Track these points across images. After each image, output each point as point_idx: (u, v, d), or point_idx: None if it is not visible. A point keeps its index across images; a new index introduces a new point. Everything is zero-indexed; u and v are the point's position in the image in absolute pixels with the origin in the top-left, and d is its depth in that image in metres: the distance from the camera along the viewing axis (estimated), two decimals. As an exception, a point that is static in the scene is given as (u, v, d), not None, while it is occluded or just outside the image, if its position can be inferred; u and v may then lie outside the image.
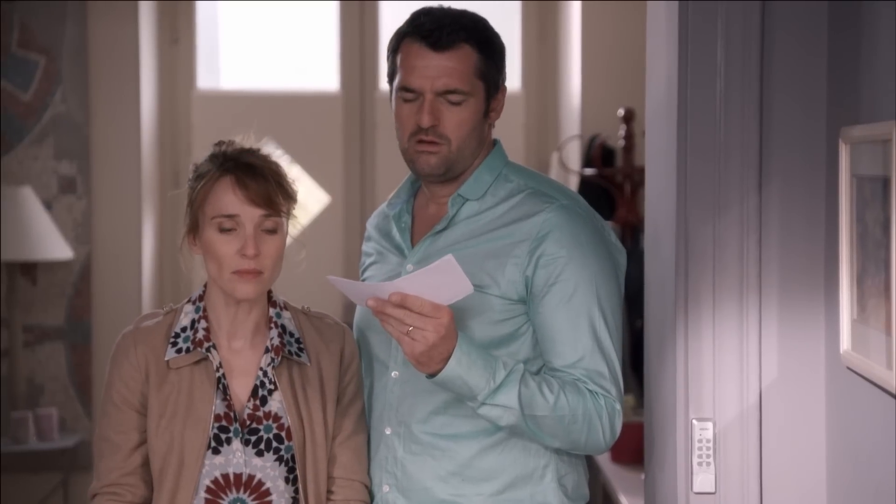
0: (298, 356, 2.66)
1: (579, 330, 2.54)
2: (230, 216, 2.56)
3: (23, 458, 6.03)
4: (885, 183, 2.08)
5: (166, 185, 6.71)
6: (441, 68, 2.56)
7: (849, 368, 2.31)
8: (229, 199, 2.57)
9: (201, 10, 6.78)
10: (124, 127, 6.32)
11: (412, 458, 2.60)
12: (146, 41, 6.46)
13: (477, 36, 2.59)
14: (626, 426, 4.69)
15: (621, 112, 5.58)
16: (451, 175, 2.62)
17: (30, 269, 6.19)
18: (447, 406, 2.58)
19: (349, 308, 6.11)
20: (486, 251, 2.57)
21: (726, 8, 2.50)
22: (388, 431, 2.63)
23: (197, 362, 2.60)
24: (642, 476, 3.42)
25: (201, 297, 2.66)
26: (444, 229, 2.62)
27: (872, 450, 2.21)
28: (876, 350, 2.14)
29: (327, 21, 6.75)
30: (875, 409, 2.19)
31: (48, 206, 6.15)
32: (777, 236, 2.52)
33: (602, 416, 2.54)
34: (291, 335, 2.68)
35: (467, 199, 2.63)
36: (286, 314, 2.69)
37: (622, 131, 5.59)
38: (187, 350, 2.60)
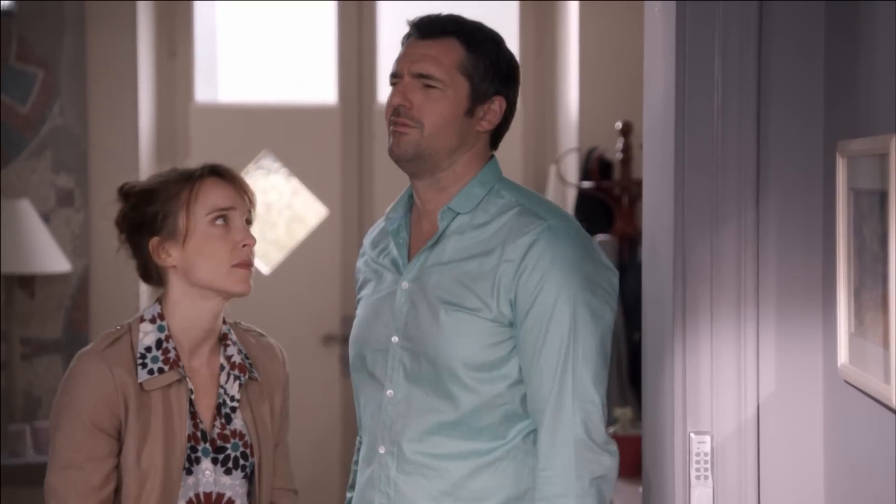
0: (251, 372, 2.69)
1: (553, 357, 2.51)
2: (226, 209, 2.60)
3: (20, 471, 6.02)
4: (883, 196, 2.09)
5: (164, 197, 6.70)
6: (421, 54, 2.59)
7: (846, 382, 2.31)
8: (223, 192, 2.62)
9: (199, 23, 6.79)
10: (122, 140, 6.32)
11: (405, 477, 2.58)
12: (144, 54, 6.46)
13: (468, 34, 2.60)
14: (623, 439, 4.71)
15: (619, 125, 5.58)
16: (422, 166, 2.59)
17: (28, 282, 6.19)
18: (441, 426, 2.56)
19: (347, 320, 6.12)
20: (477, 273, 2.54)
21: (723, 21, 2.50)
22: (381, 450, 2.61)
23: (169, 384, 2.59)
24: (640, 489, 3.42)
25: (161, 316, 2.63)
26: (436, 244, 2.61)
27: (870, 463, 2.21)
28: (873, 364, 2.14)
29: (325, 34, 6.75)
30: (873, 422, 2.19)
31: (46, 218, 6.15)
32: (774, 250, 2.52)
33: (593, 467, 2.52)
34: (241, 352, 2.70)
35: (458, 213, 2.61)
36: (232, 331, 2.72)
37: (620, 144, 5.59)
38: (160, 371, 2.58)
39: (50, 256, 5.97)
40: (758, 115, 2.51)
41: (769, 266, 2.52)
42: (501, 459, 2.56)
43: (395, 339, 2.60)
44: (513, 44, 6.86)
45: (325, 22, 6.77)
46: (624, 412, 4.83)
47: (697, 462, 2.51)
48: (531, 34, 6.85)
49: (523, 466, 2.57)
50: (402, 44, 2.65)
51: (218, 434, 2.61)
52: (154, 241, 2.62)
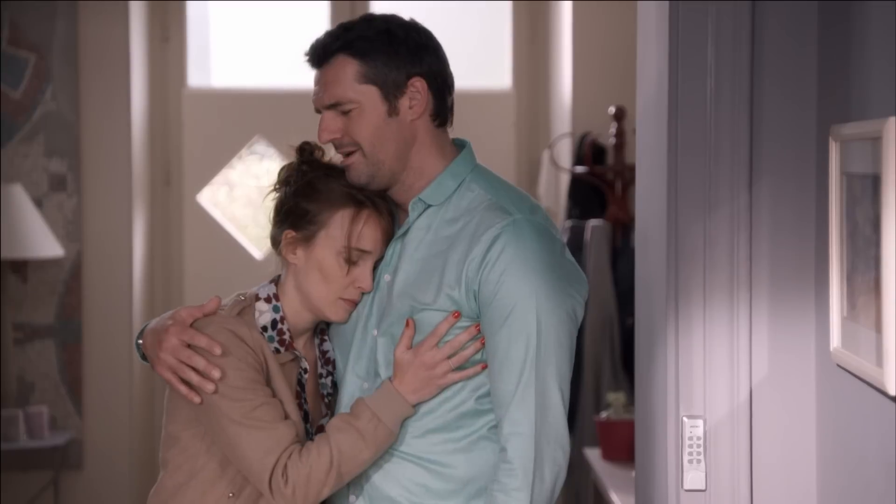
0: None
1: (516, 351, 2.49)
2: (365, 252, 2.58)
3: (13, 456, 6.03)
4: (876, 180, 2.09)
5: (157, 183, 6.71)
6: (322, 84, 2.57)
7: (839, 366, 2.32)
8: (373, 235, 2.59)
9: (192, 8, 6.78)
10: (115, 125, 6.32)
11: (376, 468, 2.58)
12: (137, 39, 6.45)
13: (351, 43, 2.55)
14: (617, 424, 4.72)
15: (612, 110, 5.58)
16: (380, 182, 2.57)
17: (20, 267, 6.19)
18: (415, 417, 2.56)
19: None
20: (444, 268, 2.53)
21: (717, 7, 2.50)
22: None
23: (283, 364, 2.60)
24: (633, 474, 3.43)
25: (277, 297, 2.63)
26: (405, 234, 2.59)
27: (863, 446, 2.21)
28: (866, 347, 2.14)
29: (317, 19, 6.75)
30: (865, 406, 2.19)
31: (39, 203, 6.15)
32: (767, 234, 2.52)
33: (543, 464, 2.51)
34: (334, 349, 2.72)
35: (429, 205, 2.58)
36: None
37: (613, 129, 5.59)
38: (276, 350, 2.59)
39: (43, 241, 5.97)
40: (751, 100, 2.51)
41: (762, 250, 2.52)
42: (473, 449, 2.56)
43: (374, 332, 2.60)
44: (506, 31, 6.86)
45: (317, 7, 6.76)
46: (617, 397, 4.84)
47: (690, 446, 2.52)
48: (524, 20, 6.84)
49: (495, 457, 2.56)
50: None
51: (325, 424, 2.61)
52: (290, 234, 2.60)
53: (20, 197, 5.96)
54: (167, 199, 6.74)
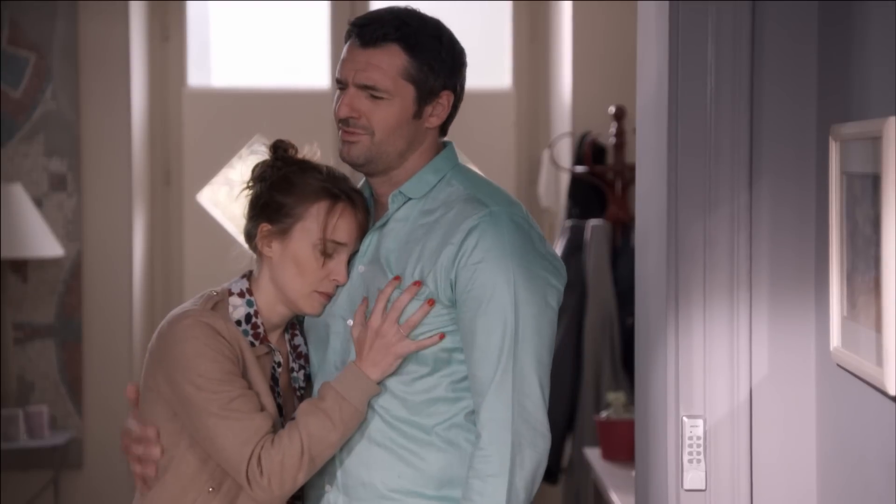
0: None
1: (493, 339, 2.52)
2: (341, 244, 2.60)
3: (13, 455, 6.03)
4: (875, 180, 2.09)
5: (157, 182, 6.71)
6: (364, 63, 2.57)
7: (839, 365, 2.32)
8: (349, 227, 2.61)
9: (192, 7, 6.78)
10: (115, 124, 6.32)
11: (349, 455, 2.59)
12: (137, 38, 6.45)
13: (408, 38, 2.57)
14: (617, 423, 4.72)
15: (612, 110, 5.59)
16: (373, 168, 2.61)
17: (20, 267, 6.19)
18: (386, 403, 2.58)
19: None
20: (419, 257, 2.56)
21: (717, 7, 2.50)
22: None
23: (258, 357, 2.61)
24: (633, 473, 3.43)
25: (250, 291, 2.65)
26: (384, 226, 2.62)
27: (863, 446, 2.21)
28: (866, 347, 2.15)
29: (318, 18, 6.75)
30: (865, 405, 2.19)
31: (39, 203, 6.15)
32: (767, 234, 2.52)
33: (522, 450, 2.52)
34: (306, 343, 2.74)
35: (409, 198, 2.61)
36: None
37: (613, 129, 5.60)
38: (251, 345, 2.61)
39: (43, 241, 5.97)
40: (751, 99, 2.51)
41: (762, 250, 2.52)
42: (446, 437, 2.57)
43: (350, 321, 2.62)
44: (506, 30, 6.86)
45: (318, 6, 6.76)
46: (617, 396, 4.84)
47: (690, 446, 2.52)
48: (525, 20, 6.84)
49: (469, 447, 2.57)
50: (345, 40, 2.63)
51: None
52: (265, 227, 2.62)
53: (20, 196, 5.96)
54: (167, 198, 6.74)
